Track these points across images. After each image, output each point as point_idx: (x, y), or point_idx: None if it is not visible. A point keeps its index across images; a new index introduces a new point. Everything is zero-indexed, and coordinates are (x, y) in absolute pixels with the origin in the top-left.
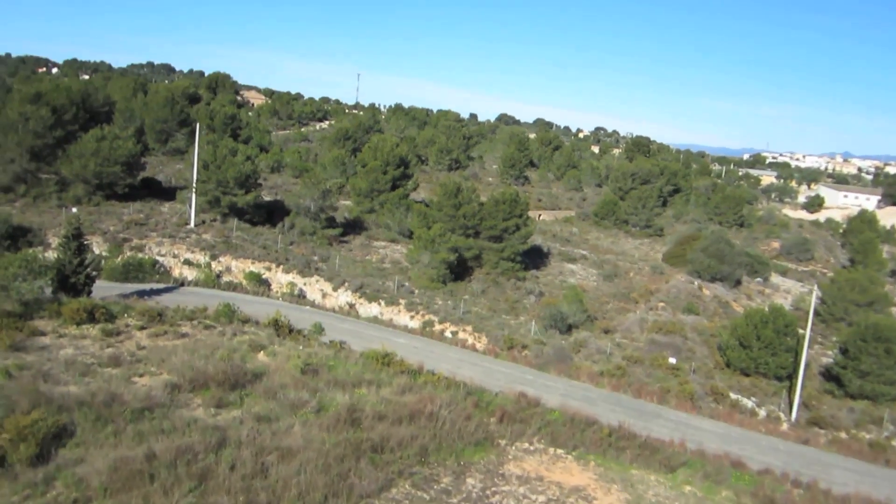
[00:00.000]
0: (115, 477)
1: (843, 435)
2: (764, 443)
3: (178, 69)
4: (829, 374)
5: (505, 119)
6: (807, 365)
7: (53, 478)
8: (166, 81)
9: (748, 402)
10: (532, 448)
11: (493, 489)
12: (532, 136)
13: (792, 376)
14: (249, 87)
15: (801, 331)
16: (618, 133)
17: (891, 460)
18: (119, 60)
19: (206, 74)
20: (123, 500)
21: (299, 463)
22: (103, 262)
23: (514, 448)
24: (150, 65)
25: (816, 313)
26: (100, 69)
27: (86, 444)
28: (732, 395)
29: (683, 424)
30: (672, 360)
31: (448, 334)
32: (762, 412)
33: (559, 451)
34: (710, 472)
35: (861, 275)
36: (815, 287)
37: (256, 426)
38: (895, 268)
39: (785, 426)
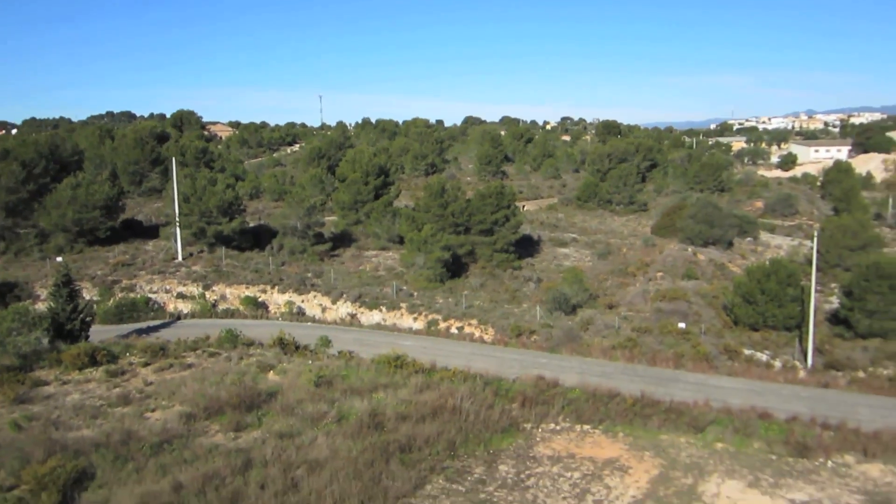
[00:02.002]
0: None
1: (861, 374)
2: (786, 392)
3: (138, 115)
4: (836, 319)
5: (472, 121)
6: (814, 312)
7: None
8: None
9: (762, 356)
10: (558, 427)
11: (527, 472)
12: (503, 132)
13: (801, 325)
14: (214, 123)
15: (803, 283)
16: (584, 120)
17: None
18: (78, 114)
19: (167, 116)
20: None
21: (329, 473)
22: (95, 306)
23: (540, 430)
24: (111, 114)
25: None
26: (59, 125)
27: (108, 485)
28: (746, 351)
29: (703, 385)
30: (681, 326)
31: (454, 331)
32: (777, 363)
33: (586, 426)
34: (738, 427)
35: (850, 220)
36: (815, 235)
37: (279, 443)
38: (878, 211)
39: (802, 373)
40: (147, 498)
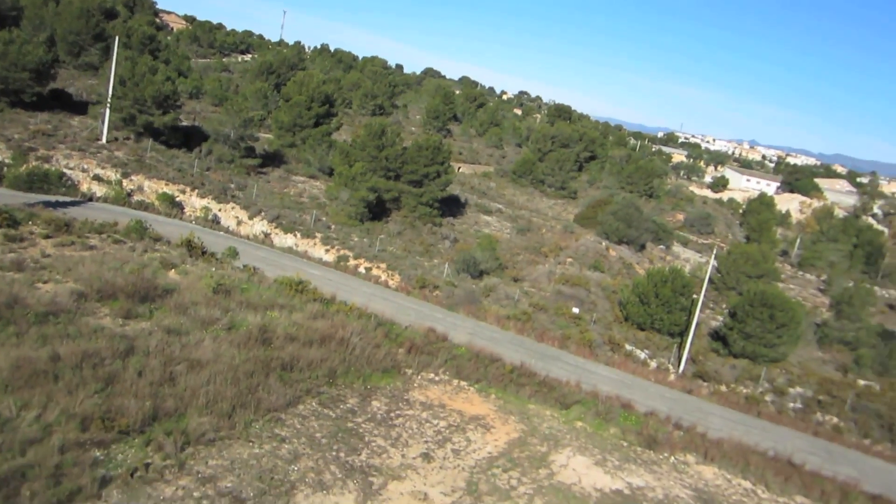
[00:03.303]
0: (17, 375)
1: (723, 388)
2: (652, 390)
3: None
4: (716, 335)
5: (431, 73)
6: (698, 325)
7: None
8: None
9: (641, 354)
10: (437, 378)
11: (397, 412)
12: (458, 91)
13: (683, 333)
14: (168, 12)
15: (695, 296)
16: (541, 99)
17: (762, 412)
18: None
19: None
20: (25, 396)
21: (208, 374)
22: (5, 169)
23: (419, 377)
24: None
25: (711, 281)
26: None
27: None
28: (628, 346)
29: (580, 368)
30: (575, 311)
31: (362, 270)
32: (653, 363)
33: (462, 382)
34: (600, 411)
35: (755, 249)
36: (714, 255)
37: (165, 338)
38: (786, 248)
39: (672, 377)
40: (22, 362)
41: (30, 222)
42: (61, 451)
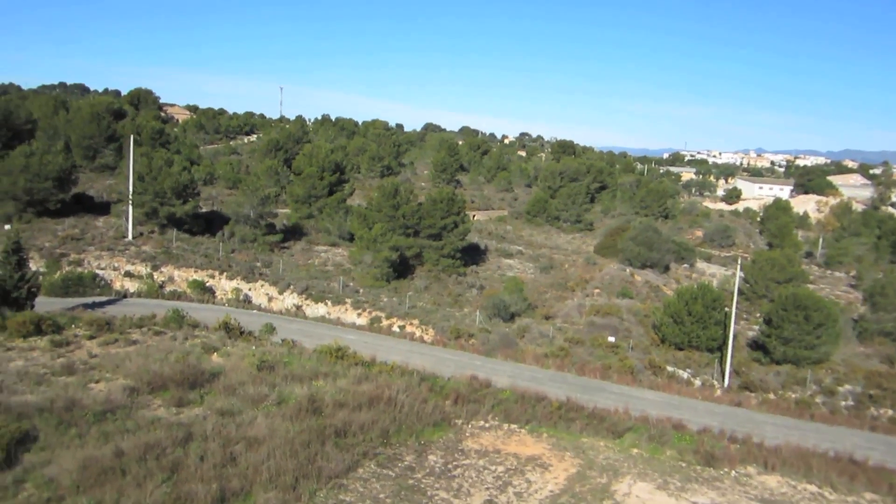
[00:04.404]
0: (86, 475)
1: (771, 396)
2: (701, 407)
3: (92, 89)
4: (755, 345)
5: (431, 128)
6: (735, 337)
7: (23, 480)
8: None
9: (684, 374)
10: (487, 425)
11: (455, 463)
12: (460, 142)
13: (722, 347)
14: (171, 104)
15: (727, 309)
16: (542, 137)
17: (815, 414)
18: (28, 81)
19: (122, 94)
20: (97, 495)
21: (267, 450)
22: (41, 277)
23: (470, 426)
24: (63, 85)
25: (740, 292)
26: (9, 91)
27: (51, 448)
28: (669, 368)
29: (626, 395)
30: (611, 339)
31: (396, 329)
32: (697, 381)
33: (513, 425)
34: (654, 435)
35: (779, 255)
36: (739, 266)
37: (220, 420)
38: (809, 250)
39: (719, 392)
40: (89, 462)
41: (72, 325)
42: None
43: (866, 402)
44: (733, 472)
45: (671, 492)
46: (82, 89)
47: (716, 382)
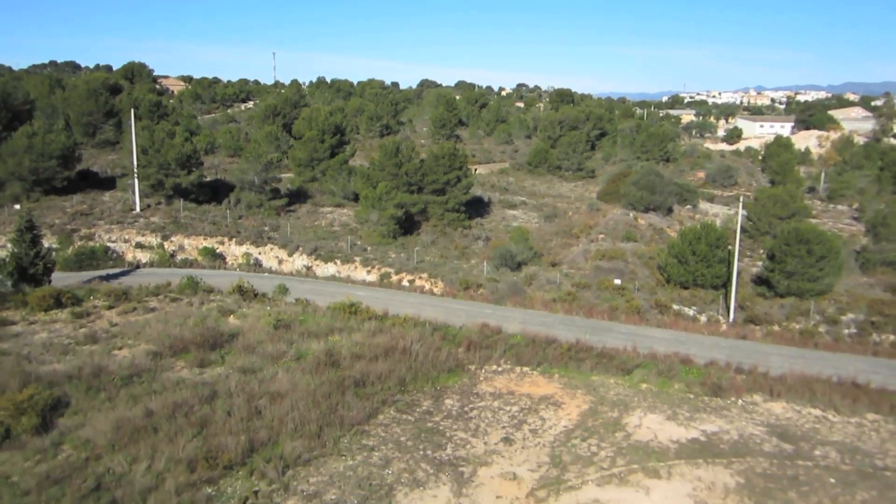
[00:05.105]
0: (120, 434)
1: (775, 328)
2: (707, 342)
3: (83, 66)
4: (759, 280)
5: (427, 84)
6: (739, 273)
7: (60, 442)
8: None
9: (690, 311)
10: (500, 369)
11: (471, 405)
12: (458, 97)
13: (726, 284)
14: (164, 76)
15: (730, 247)
16: (540, 88)
17: (818, 343)
18: (18, 62)
19: (114, 68)
20: (132, 452)
21: (290, 402)
22: (55, 253)
23: (483, 371)
24: (54, 63)
25: (743, 230)
26: (1, 73)
27: (83, 412)
28: (675, 306)
29: (634, 334)
30: (617, 282)
31: (405, 283)
32: (703, 318)
33: (525, 368)
34: (662, 370)
35: (781, 191)
36: (741, 204)
37: (242, 378)
38: (812, 185)
39: (724, 327)
40: (121, 422)
41: (91, 297)
42: (177, 493)
43: (869, 329)
44: (740, 400)
45: (680, 422)
46: (74, 66)
47: (721, 318)
